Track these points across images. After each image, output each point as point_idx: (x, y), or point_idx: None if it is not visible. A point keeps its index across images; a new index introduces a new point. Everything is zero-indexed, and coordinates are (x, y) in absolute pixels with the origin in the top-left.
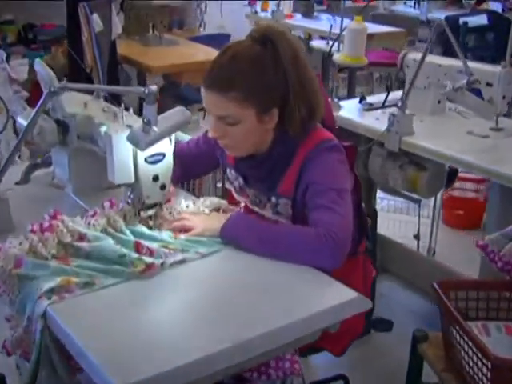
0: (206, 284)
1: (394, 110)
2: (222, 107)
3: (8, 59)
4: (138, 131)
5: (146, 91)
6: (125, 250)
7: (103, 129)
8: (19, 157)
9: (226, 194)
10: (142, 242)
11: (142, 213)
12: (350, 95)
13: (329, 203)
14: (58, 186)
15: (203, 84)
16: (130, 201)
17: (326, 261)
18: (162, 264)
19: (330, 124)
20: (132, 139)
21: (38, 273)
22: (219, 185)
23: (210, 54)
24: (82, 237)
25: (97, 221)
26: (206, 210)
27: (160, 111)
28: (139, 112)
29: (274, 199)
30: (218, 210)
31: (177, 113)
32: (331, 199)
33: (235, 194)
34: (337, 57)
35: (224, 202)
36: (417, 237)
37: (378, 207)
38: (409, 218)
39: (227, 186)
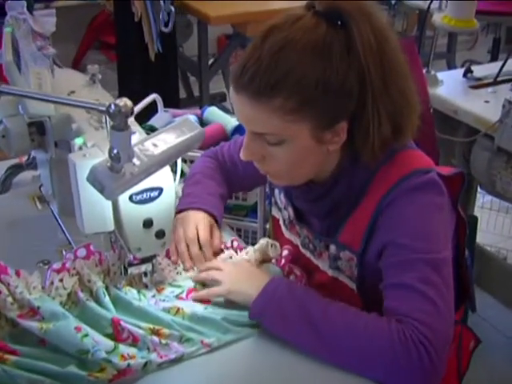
0: None
1: (508, 90)
2: (262, 121)
3: (31, 8)
4: (103, 170)
5: (112, 109)
6: (88, 342)
7: (78, 142)
8: None
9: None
10: (123, 321)
11: (130, 270)
12: (450, 63)
13: (419, 284)
14: (45, 198)
15: (232, 83)
16: (116, 248)
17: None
18: (144, 365)
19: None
20: (94, 182)
21: None
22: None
23: (282, 1)
24: (34, 311)
25: (62, 281)
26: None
27: (226, 63)
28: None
29: (333, 249)
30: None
31: (178, 130)
32: (423, 277)
33: (283, 228)
34: (437, 18)
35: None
36: None
37: (478, 203)
38: None
39: (274, 213)
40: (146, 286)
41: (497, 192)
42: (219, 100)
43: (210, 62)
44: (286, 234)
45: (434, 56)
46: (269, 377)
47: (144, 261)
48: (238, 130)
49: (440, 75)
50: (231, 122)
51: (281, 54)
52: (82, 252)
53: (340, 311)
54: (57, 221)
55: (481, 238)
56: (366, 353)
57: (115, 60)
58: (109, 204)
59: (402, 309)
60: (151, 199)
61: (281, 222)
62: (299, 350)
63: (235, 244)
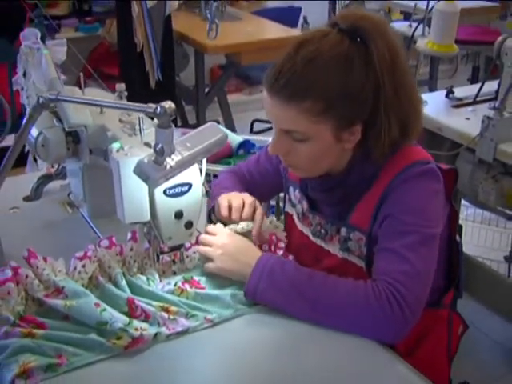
0: (217, 371)
1: (487, 109)
2: (291, 120)
3: (44, 39)
4: (148, 163)
5: (158, 110)
6: (107, 316)
7: (115, 146)
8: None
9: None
10: (137, 300)
11: (161, 257)
12: (432, 90)
13: (404, 250)
14: (74, 204)
15: (266, 87)
16: (150, 239)
17: (383, 333)
18: (155, 335)
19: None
20: (140, 173)
21: None
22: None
23: (274, 32)
24: (58, 290)
25: (84, 267)
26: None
27: (222, 92)
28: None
29: (344, 231)
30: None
31: (205, 132)
32: (409, 244)
33: (297, 221)
34: (421, 43)
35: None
36: (509, 259)
37: (462, 216)
38: (499, 229)
39: (288, 209)
40: (175, 273)
41: (479, 202)
42: None
43: (206, 90)
44: (299, 225)
45: (417, 82)
46: (263, 348)
47: (173, 249)
48: (242, 146)
49: (424, 96)
50: (236, 139)
51: (312, 63)
52: (105, 243)
53: (322, 277)
54: (87, 222)
55: (464, 250)
56: (344, 308)
57: (114, 89)
58: (146, 197)
59: (383, 269)
60: (182, 193)
61: (294, 217)
62: (292, 317)
63: None
